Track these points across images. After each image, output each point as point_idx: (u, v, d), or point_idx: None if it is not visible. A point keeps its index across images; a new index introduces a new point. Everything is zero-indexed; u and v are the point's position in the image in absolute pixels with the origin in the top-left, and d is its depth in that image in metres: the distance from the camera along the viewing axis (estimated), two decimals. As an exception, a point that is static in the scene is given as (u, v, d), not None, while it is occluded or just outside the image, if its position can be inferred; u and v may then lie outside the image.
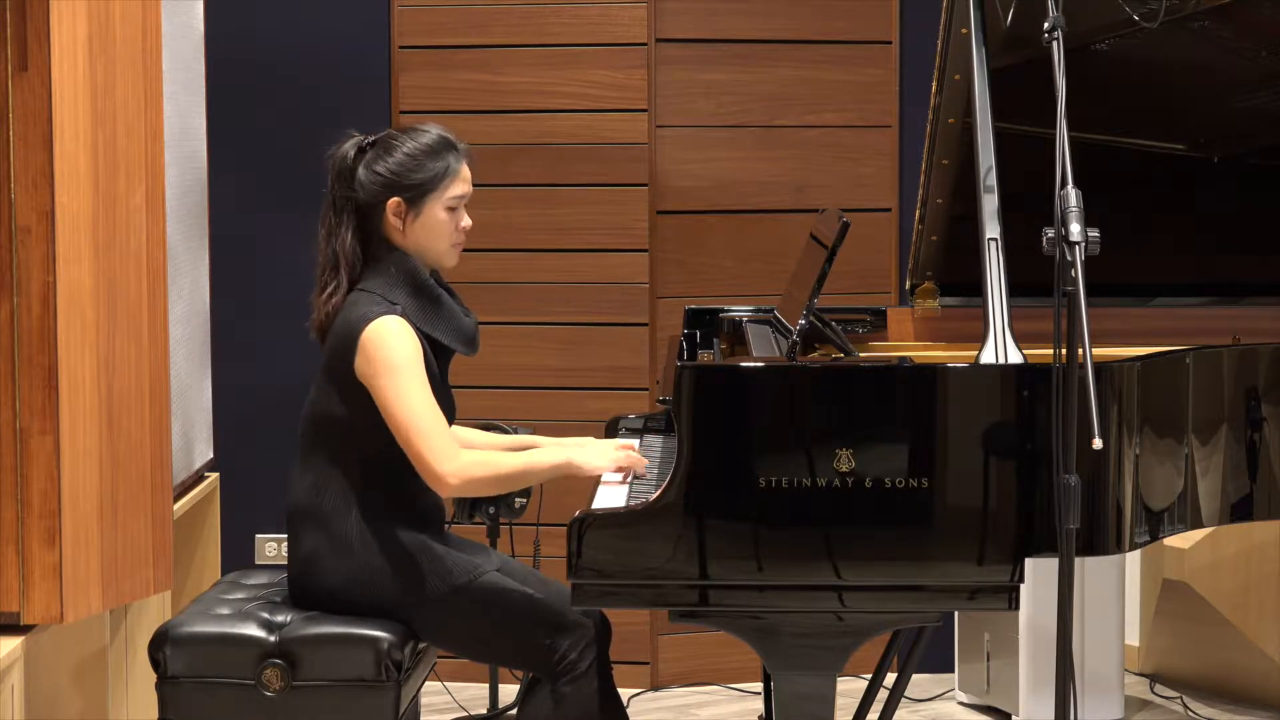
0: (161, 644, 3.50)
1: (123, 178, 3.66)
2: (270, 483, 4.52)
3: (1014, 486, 3.27)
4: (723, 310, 4.30)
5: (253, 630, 3.51)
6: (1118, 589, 4.88)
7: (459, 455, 3.48)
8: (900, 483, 3.24)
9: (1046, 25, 3.24)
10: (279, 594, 3.65)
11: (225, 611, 3.58)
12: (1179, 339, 3.82)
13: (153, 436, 3.75)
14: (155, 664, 3.51)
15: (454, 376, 3.71)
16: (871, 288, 5.30)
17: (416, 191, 3.58)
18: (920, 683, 5.19)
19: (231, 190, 5.11)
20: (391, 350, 3.47)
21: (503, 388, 5.28)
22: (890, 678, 3.72)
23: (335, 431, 3.56)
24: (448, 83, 5.27)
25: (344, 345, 3.51)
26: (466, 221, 3.65)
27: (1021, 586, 3.28)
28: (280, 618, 3.53)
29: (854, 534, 3.25)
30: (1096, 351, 3.08)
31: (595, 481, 3.61)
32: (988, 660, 4.96)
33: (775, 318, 4.01)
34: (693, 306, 4.37)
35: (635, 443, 3.82)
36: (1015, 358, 3.35)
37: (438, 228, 3.60)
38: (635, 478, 3.62)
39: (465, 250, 3.71)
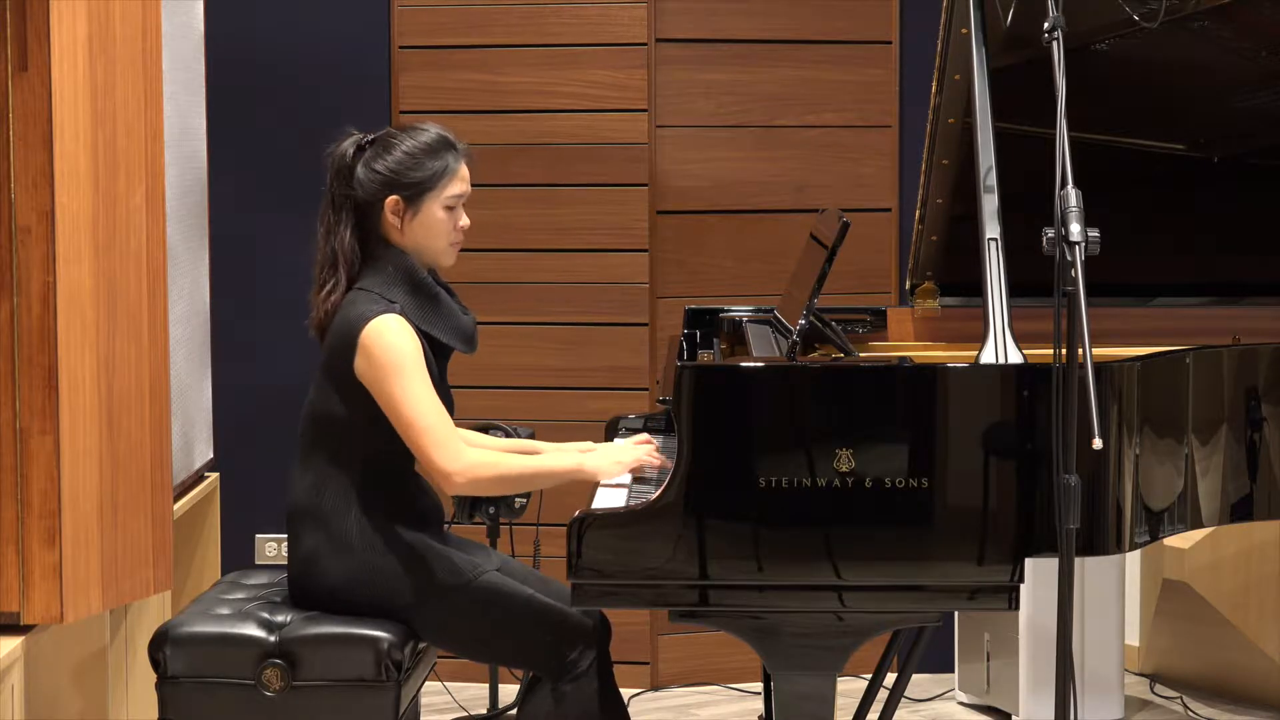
0: (161, 644, 3.50)
1: (123, 178, 3.66)
2: (270, 483, 4.52)
3: (1014, 486, 3.27)
4: (723, 310, 4.30)
5: (253, 630, 3.51)
6: (1118, 589, 4.88)
7: (465, 454, 3.48)
8: (900, 483, 3.24)
9: (1046, 25, 3.24)
10: (279, 594, 3.65)
11: (225, 611, 3.58)
12: (1179, 339, 3.82)
13: (153, 436, 3.75)
14: (155, 664, 3.51)
15: (454, 376, 3.71)
16: (871, 288, 5.30)
17: (415, 190, 3.58)
18: (920, 683, 5.19)
19: (231, 190, 5.11)
20: (392, 349, 3.47)
21: (503, 388, 5.28)
22: (890, 678, 3.72)
23: (335, 431, 3.56)
24: (448, 83, 5.27)
25: (344, 344, 3.51)
26: (465, 221, 3.65)
27: (1021, 586, 3.28)
28: (280, 618, 3.53)
29: (854, 534, 3.25)
30: (1096, 351, 3.08)
31: (596, 481, 3.61)
32: (988, 660, 4.96)
33: (775, 318, 4.01)
34: (693, 306, 4.37)
35: (656, 441, 3.77)
36: (1015, 358, 3.35)
37: (435, 226, 3.60)
38: (635, 479, 3.62)
39: (465, 250, 3.71)
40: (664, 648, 5.34)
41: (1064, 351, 3.05)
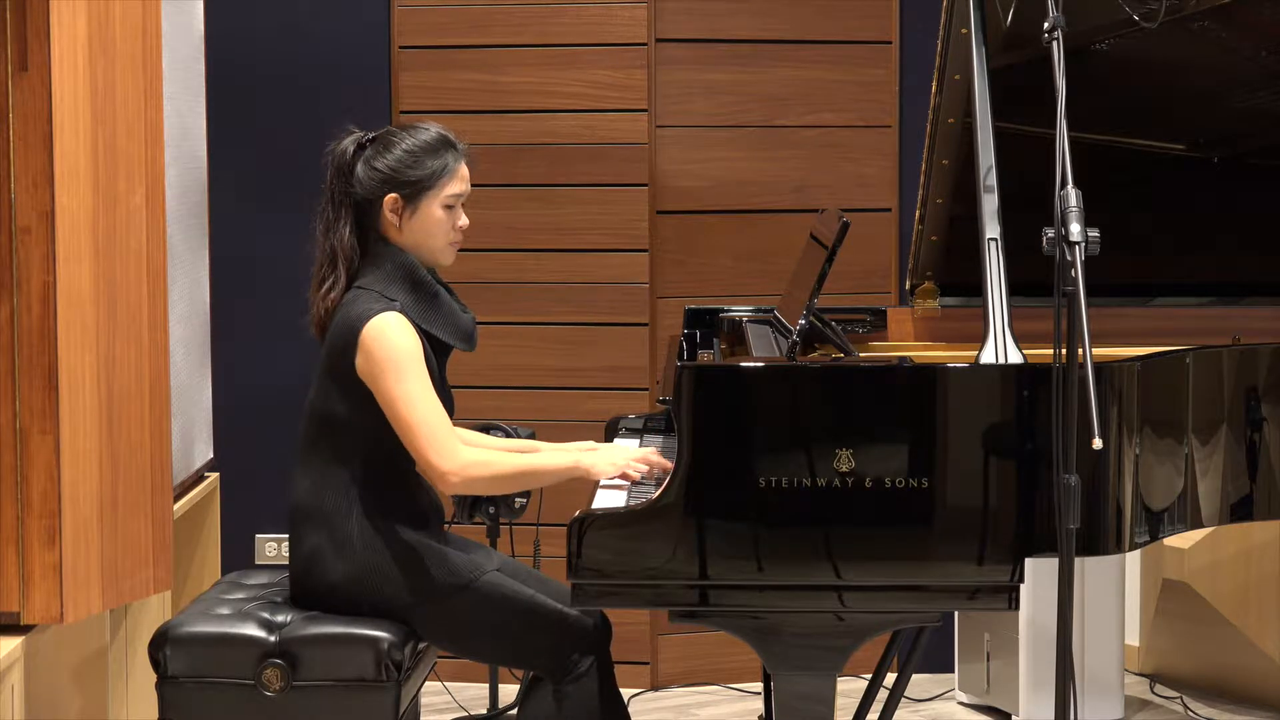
0: (161, 644, 3.50)
1: (123, 178, 3.66)
2: (270, 483, 4.52)
3: (1014, 486, 3.27)
4: (723, 310, 4.30)
5: (253, 630, 3.50)
6: (1118, 589, 4.88)
7: (461, 453, 3.48)
8: (900, 483, 3.24)
9: (1046, 25, 3.24)
10: (279, 594, 3.65)
11: (225, 611, 3.58)
12: (1179, 339, 3.82)
13: (152, 436, 3.75)
14: (155, 664, 3.51)
15: (453, 377, 3.71)
16: (871, 288, 5.30)
17: (414, 188, 3.58)
18: (920, 683, 5.19)
19: (231, 190, 5.11)
20: (392, 347, 3.47)
21: (503, 388, 5.28)
22: (890, 678, 3.72)
23: (336, 430, 3.56)
24: (448, 83, 5.27)
25: (344, 343, 3.51)
26: (464, 220, 3.65)
27: (1021, 586, 3.28)
28: (280, 617, 3.53)
29: (854, 534, 3.25)
30: (1096, 351, 3.07)
31: (596, 481, 3.61)
32: (988, 660, 4.96)
33: (775, 318, 4.01)
34: (693, 306, 4.37)
35: (653, 449, 3.74)
36: (1015, 358, 3.35)
37: (434, 225, 3.60)
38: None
39: (465, 250, 3.71)
40: (664, 648, 5.34)
41: (1064, 351, 3.05)
